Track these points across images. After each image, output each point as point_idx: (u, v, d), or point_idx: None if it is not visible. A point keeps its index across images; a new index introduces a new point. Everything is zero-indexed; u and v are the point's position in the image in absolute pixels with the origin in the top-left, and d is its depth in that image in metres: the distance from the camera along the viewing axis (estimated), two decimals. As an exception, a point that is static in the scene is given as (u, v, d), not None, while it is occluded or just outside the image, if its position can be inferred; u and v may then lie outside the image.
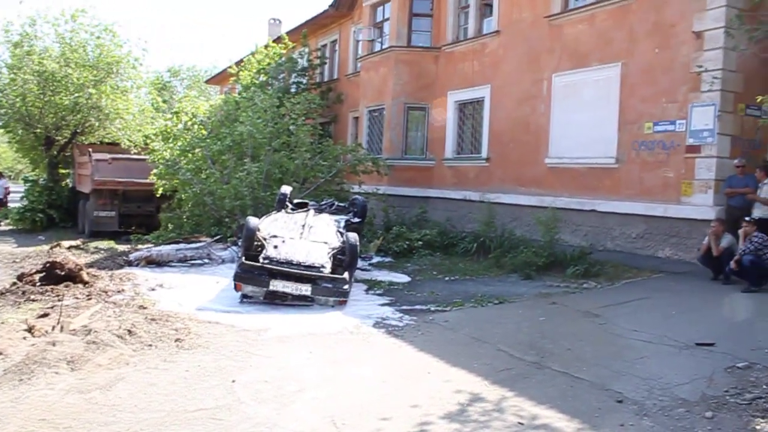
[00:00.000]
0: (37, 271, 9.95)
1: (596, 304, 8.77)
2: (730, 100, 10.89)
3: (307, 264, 8.98)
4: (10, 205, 24.62)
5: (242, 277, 8.84)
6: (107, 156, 19.33)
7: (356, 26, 21.85)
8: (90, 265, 11.72)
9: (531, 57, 14.70)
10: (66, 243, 15.44)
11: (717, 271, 9.90)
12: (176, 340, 6.85)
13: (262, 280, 8.77)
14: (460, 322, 8.06)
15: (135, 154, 20.08)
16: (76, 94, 22.40)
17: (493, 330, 7.63)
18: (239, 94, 20.71)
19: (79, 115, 23.25)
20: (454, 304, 9.21)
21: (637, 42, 12.23)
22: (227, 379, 5.73)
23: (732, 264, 9.33)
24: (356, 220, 11.78)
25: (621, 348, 6.66)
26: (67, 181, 24.32)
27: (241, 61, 24.01)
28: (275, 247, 9.23)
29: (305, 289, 8.75)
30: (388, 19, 18.96)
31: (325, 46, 25.16)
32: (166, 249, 12.45)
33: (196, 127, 16.83)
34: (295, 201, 12.24)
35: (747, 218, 9.70)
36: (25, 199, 22.94)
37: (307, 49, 24.17)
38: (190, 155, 15.75)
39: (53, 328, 6.99)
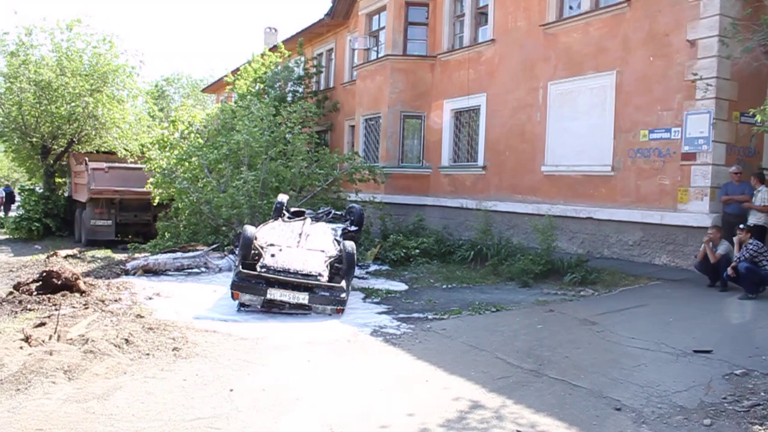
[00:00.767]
0: (34, 281, 9.94)
1: (593, 311, 8.78)
2: (725, 108, 10.96)
3: (304, 272, 8.98)
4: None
5: (240, 285, 8.84)
6: (104, 165, 19.35)
7: (352, 35, 21.95)
8: (87, 274, 11.70)
9: (526, 65, 14.77)
10: (63, 252, 15.43)
11: (714, 278, 9.93)
12: (174, 349, 6.83)
13: (259, 289, 8.76)
14: (457, 330, 8.06)
15: (131, 163, 20.10)
16: (73, 103, 22.40)
17: (491, 338, 7.63)
18: (235, 102, 20.76)
19: (76, 124, 23.23)
20: (451, 312, 9.21)
21: (631, 50, 12.29)
22: (225, 387, 5.71)
23: (729, 271, 9.35)
24: (353, 228, 11.79)
25: (619, 355, 6.66)
26: (64, 190, 24.31)
27: (238, 69, 24.09)
28: (272, 255, 9.23)
29: (303, 298, 8.74)
30: (383, 28, 19.03)
31: (321, 54, 25.24)
32: (163, 258, 12.43)
33: (192, 135, 16.86)
34: (292, 209, 12.26)
35: (741, 226, 9.73)
36: (21, 208, 22.93)
37: (303, 58, 24.24)
38: (186, 164, 15.75)
39: (50, 337, 6.96)
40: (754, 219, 10.18)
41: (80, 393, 5.45)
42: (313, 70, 24.47)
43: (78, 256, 15.31)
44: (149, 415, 5.04)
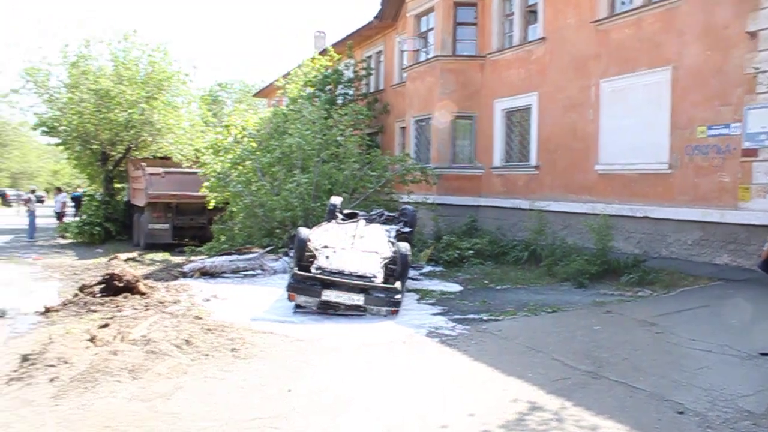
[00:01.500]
0: (97, 283, 10.23)
1: (652, 312, 8.60)
2: (788, 102, 10.61)
3: (359, 274, 9.01)
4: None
5: (295, 287, 8.94)
6: (160, 170, 19.80)
7: (401, 37, 21.98)
8: (146, 277, 11.98)
9: (578, 63, 14.57)
10: (123, 255, 15.88)
11: (778, 278, 9.62)
12: (232, 349, 6.95)
13: (314, 291, 8.84)
14: (513, 332, 8.00)
15: (187, 167, 20.48)
16: (130, 111, 23.04)
17: (547, 339, 7.55)
18: (287, 106, 20.98)
19: (133, 130, 23.90)
20: (506, 313, 9.15)
21: (687, 45, 12.00)
22: (283, 388, 5.78)
23: (794, 270, 9.05)
24: (406, 229, 11.78)
25: (680, 357, 6.52)
26: (123, 195, 24.98)
27: (288, 74, 24.33)
28: (327, 257, 9.30)
29: (358, 299, 8.79)
30: (432, 29, 19.00)
31: (370, 57, 25.34)
32: (219, 260, 12.65)
33: (245, 140, 17.09)
34: (345, 211, 12.30)
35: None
36: (83, 213, 23.68)
37: (352, 61, 24.37)
38: (240, 168, 15.99)
39: (114, 337, 7.16)
40: (820, 216, 9.85)
41: (144, 392, 5.60)
42: (363, 72, 24.58)
43: (137, 259, 15.73)
44: (210, 415, 5.14)
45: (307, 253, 9.58)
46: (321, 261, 9.23)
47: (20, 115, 37.28)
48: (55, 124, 24.37)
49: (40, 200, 27.49)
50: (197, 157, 19.49)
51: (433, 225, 16.16)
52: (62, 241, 23.06)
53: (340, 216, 11.83)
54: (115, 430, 4.79)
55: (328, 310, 8.96)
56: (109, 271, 10.49)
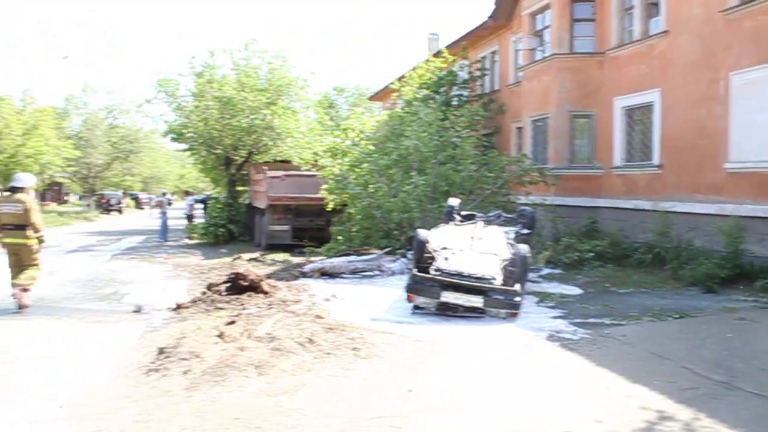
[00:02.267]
0: (223, 282, 10.64)
1: (793, 320, 8.08)
2: None
3: (478, 276, 8.92)
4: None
5: (414, 288, 8.99)
6: (281, 173, 20.38)
7: (515, 36, 21.66)
8: (268, 277, 12.33)
9: (704, 56, 13.81)
10: (246, 255, 16.49)
11: None
12: (353, 349, 7.07)
13: (433, 292, 8.85)
14: (638, 337, 7.72)
15: (306, 170, 20.99)
16: (252, 116, 23.96)
17: (675, 346, 7.24)
18: (401, 109, 21.13)
19: (254, 135, 24.86)
20: (630, 317, 8.84)
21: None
22: (404, 388, 5.82)
23: None
24: (525, 231, 11.56)
25: (825, 369, 6.09)
26: (245, 197, 25.98)
27: (403, 77, 24.50)
28: (446, 258, 9.27)
29: (477, 301, 8.72)
30: (548, 27, 18.58)
31: (484, 57, 25.12)
32: (338, 261, 12.90)
33: (363, 142, 17.34)
34: (463, 213, 12.23)
35: None
36: (207, 215, 24.87)
37: (467, 62, 24.25)
38: (358, 170, 16.24)
39: (241, 334, 7.45)
40: None
41: (270, 387, 5.79)
42: (478, 73, 24.40)
43: (259, 259, 16.29)
44: (333, 412, 5.24)
45: (426, 255, 9.60)
46: (440, 262, 9.21)
47: (151, 123, 39.68)
48: (183, 130, 25.83)
49: (168, 203, 29.14)
50: (315, 161, 19.94)
51: (551, 226, 15.81)
52: (189, 242, 24.29)
53: (458, 217, 11.77)
54: (243, 423, 4.97)
55: (446, 311, 8.94)
56: (234, 271, 10.90)
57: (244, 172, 26.25)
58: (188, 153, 29.35)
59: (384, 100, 36.24)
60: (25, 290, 9.78)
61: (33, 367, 6.66)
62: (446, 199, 13.10)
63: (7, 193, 10.33)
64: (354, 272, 12.54)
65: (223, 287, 10.39)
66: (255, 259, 16.13)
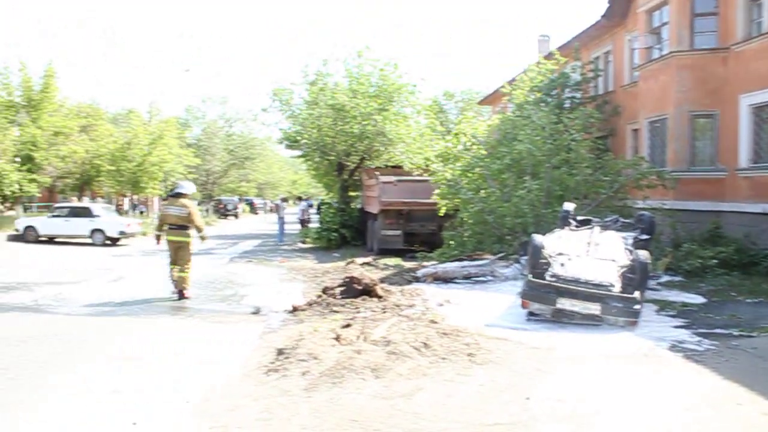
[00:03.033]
0: (338, 285, 10.84)
1: None
2: None
3: (595, 282, 8.66)
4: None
5: (529, 294, 8.85)
6: (393, 178, 20.56)
7: (630, 34, 20.90)
8: (382, 281, 12.43)
9: None
10: (359, 260, 16.76)
11: None
12: (468, 354, 7.02)
13: (549, 298, 8.68)
14: (771, 350, 7.27)
15: (417, 175, 21.07)
16: (363, 122, 24.31)
17: (816, 360, 6.77)
18: (512, 112, 20.83)
19: (366, 141, 25.21)
20: (761, 329, 8.35)
21: None
22: (521, 395, 5.73)
23: None
24: (644, 236, 11.09)
25: None
26: (357, 202, 26.41)
27: (513, 80, 24.15)
28: (562, 264, 9.06)
29: (594, 308, 8.47)
30: (666, 24, 17.78)
31: (597, 58, 24.39)
32: (451, 266, 12.88)
33: (474, 147, 17.24)
34: (578, 218, 11.92)
35: None
36: (320, 219, 25.52)
37: (579, 63, 23.64)
38: (470, 175, 16.16)
39: (357, 337, 7.57)
40: None
41: (386, 390, 5.84)
42: (591, 74, 23.72)
43: (372, 263, 16.50)
44: (449, 417, 5.22)
45: (541, 260, 9.39)
46: (556, 268, 9.01)
47: (266, 130, 41.19)
48: (297, 137, 26.59)
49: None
50: (427, 166, 19.98)
51: (671, 232, 15.10)
52: (303, 246, 24.95)
53: (574, 222, 11.47)
54: (361, 425, 5.04)
55: (562, 318, 8.74)
56: (349, 275, 11.09)
57: (356, 178, 26.69)
58: (301, 159, 30.17)
59: (494, 104, 35.92)
60: (184, 289, 11.53)
61: (161, 363, 7.06)
62: (560, 204, 12.78)
63: (172, 198, 12.04)
64: (467, 277, 12.48)
65: (338, 291, 10.59)
66: (368, 264, 16.35)
